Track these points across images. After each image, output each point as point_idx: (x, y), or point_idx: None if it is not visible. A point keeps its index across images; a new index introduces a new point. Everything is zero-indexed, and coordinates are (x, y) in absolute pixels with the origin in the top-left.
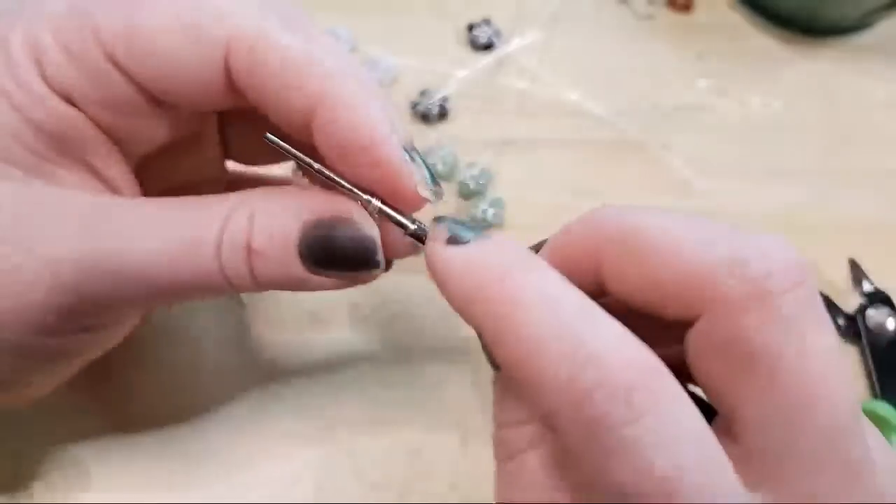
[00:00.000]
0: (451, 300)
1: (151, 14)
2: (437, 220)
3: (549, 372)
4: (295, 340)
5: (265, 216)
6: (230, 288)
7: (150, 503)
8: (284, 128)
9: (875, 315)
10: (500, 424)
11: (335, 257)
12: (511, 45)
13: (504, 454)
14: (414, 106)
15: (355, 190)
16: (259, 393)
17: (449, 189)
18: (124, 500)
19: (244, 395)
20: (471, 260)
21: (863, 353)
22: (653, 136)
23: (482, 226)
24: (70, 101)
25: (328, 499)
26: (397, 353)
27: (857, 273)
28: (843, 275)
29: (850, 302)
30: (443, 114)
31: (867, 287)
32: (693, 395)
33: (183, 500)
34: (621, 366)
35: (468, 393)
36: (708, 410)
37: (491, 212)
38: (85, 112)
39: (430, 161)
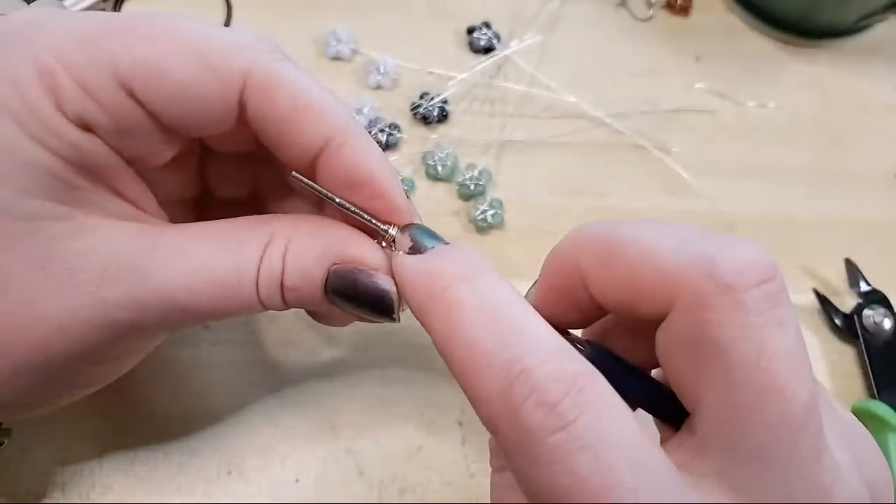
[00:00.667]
0: (409, 307)
1: (168, 46)
2: (404, 228)
3: (485, 386)
4: (295, 340)
5: (296, 256)
6: (263, 310)
7: (151, 503)
8: (287, 160)
9: (872, 315)
10: (491, 442)
11: (356, 300)
12: (510, 48)
13: (496, 466)
14: (414, 108)
15: (374, 221)
16: (259, 392)
17: (449, 190)
18: (125, 499)
19: (244, 395)
20: (423, 268)
21: (860, 352)
22: (651, 138)
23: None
24: (88, 129)
25: (328, 498)
26: (397, 352)
27: (854, 273)
28: (839, 275)
29: (847, 302)
30: (443, 116)
31: (864, 287)
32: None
33: (183, 500)
34: (550, 377)
35: None
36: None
37: (490, 213)
38: (103, 139)
39: (430, 162)
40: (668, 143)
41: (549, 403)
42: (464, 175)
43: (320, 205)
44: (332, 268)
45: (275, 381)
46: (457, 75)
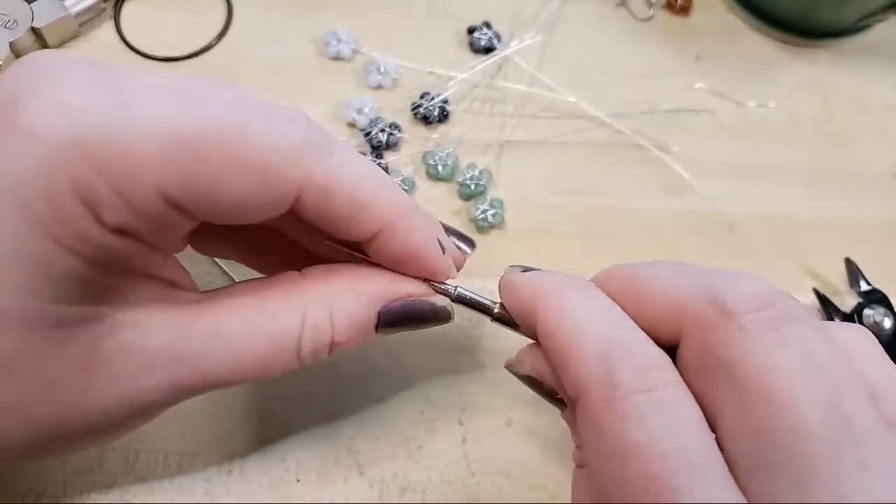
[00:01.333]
0: (519, 306)
1: (222, 163)
2: (513, 267)
3: (585, 354)
4: None
5: (344, 312)
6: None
7: (151, 503)
8: (335, 239)
9: (872, 314)
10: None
11: (409, 322)
12: (511, 48)
13: (578, 459)
14: (415, 108)
15: (433, 282)
16: (260, 391)
17: (449, 190)
18: (125, 499)
19: (245, 394)
20: (536, 277)
21: None
22: (651, 138)
23: None
24: (125, 234)
25: (329, 497)
26: (398, 351)
27: (854, 272)
28: (839, 275)
29: (847, 301)
30: (443, 116)
31: (864, 286)
32: None
33: (183, 500)
34: (646, 353)
35: (470, 390)
36: None
37: (491, 212)
38: (141, 242)
39: (430, 162)
40: (669, 142)
41: (641, 369)
42: (464, 175)
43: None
44: (382, 310)
45: (275, 380)
46: (457, 75)
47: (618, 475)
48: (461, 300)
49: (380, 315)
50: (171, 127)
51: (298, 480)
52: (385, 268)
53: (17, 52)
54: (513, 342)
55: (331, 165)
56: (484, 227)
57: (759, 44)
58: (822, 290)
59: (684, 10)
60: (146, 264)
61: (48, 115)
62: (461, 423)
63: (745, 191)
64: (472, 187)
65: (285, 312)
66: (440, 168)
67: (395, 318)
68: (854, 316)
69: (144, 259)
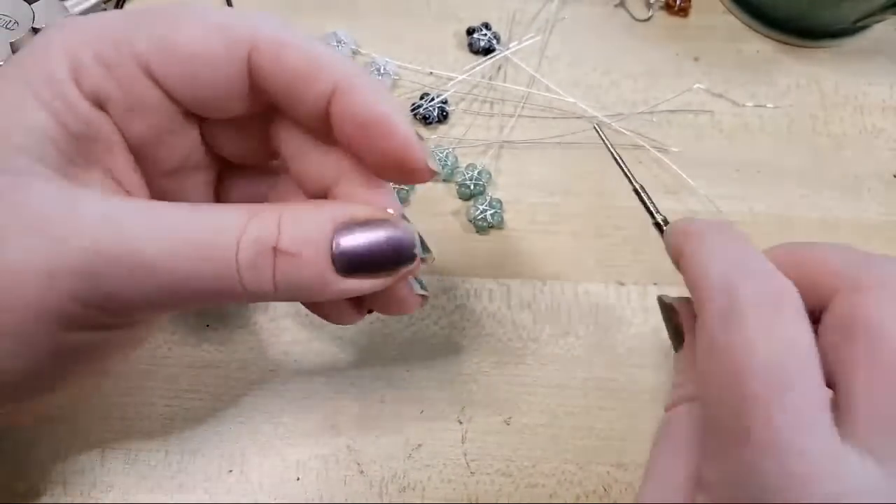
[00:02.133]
0: (671, 244)
1: (180, 21)
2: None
3: (711, 273)
4: (296, 338)
5: (294, 218)
6: (244, 294)
7: (151, 503)
8: (299, 117)
9: None
10: (672, 385)
11: (373, 259)
12: (510, 49)
13: (667, 406)
14: (414, 108)
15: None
16: (260, 391)
17: (448, 190)
18: (126, 498)
19: (245, 394)
20: (688, 222)
21: None
22: (650, 138)
23: None
24: (102, 108)
25: (329, 496)
26: (398, 350)
27: None
28: None
29: None
30: (443, 116)
31: None
32: None
33: (184, 499)
34: (765, 276)
35: (469, 389)
36: None
37: (490, 212)
38: (113, 119)
39: None
40: (667, 143)
41: (765, 291)
42: (463, 175)
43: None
44: (338, 229)
45: (275, 380)
46: (457, 76)
47: (723, 390)
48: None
49: (335, 241)
50: (144, 9)
51: (298, 479)
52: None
53: (17, 52)
54: (512, 342)
55: (279, 28)
56: (483, 227)
57: (757, 44)
58: None
59: (683, 11)
60: (111, 156)
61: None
62: (460, 422)
63: (744, 191)
64: (472, 187)
65: (233, 210)
66: (440, 168)
67: (354, 247)
68: None
69: (112, 149)
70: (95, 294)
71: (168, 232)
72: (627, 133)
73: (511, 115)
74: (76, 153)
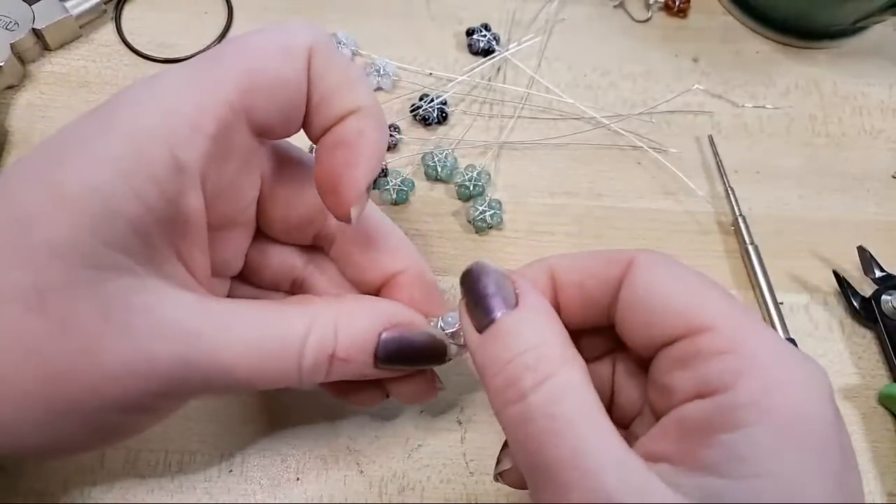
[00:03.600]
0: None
1: (262, 54)
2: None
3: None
4: None
5: (348, 323)
6: (298, 383)
7: (151, 503)
8: (319, 121)
9: (890, 300)
10: None
11: (408, 357)
12: (509, 50)
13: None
14: (414, 109)
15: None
16: (260, 391)
17: (448, 191)
18: (126, 498)
19: (245, 393)
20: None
21: (879, 337)
22: (648, 139)
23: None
24: (194, 180)
25: (329, 496)
26: None
27: (867, 260)
28: (836, 277)
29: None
30: (442, 117)
31: (878, 273)
32: None
33: (184, 499)
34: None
35: (468, 389)
36: None
37: (489, 213)
38: (205, 184)
39: (429, 163)
40: (666, 144)
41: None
42: (463, 176)
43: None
44: (383, 334)
45: None
46: (456, 77)
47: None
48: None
49: (379, 343)
50: (219, 55)
51: (298, 479)
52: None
53: (18, 53)
54: None
55: (330, 44)
56: (482, 227)
57: (756, 45)
58: (818, 292)
59: (682, 12)
60: (188, 242)
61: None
62: (460, 423)
63: (742, 191)
64: (471, 188)
65: (295, 316)
66: (439, 169)
67: (394, 347)
68: (872, 302)
69: (192, 232)
70: (170, 389)
71: (243, 343)
72: (626, 134)
73: (510, 116)
74: (157, 237)
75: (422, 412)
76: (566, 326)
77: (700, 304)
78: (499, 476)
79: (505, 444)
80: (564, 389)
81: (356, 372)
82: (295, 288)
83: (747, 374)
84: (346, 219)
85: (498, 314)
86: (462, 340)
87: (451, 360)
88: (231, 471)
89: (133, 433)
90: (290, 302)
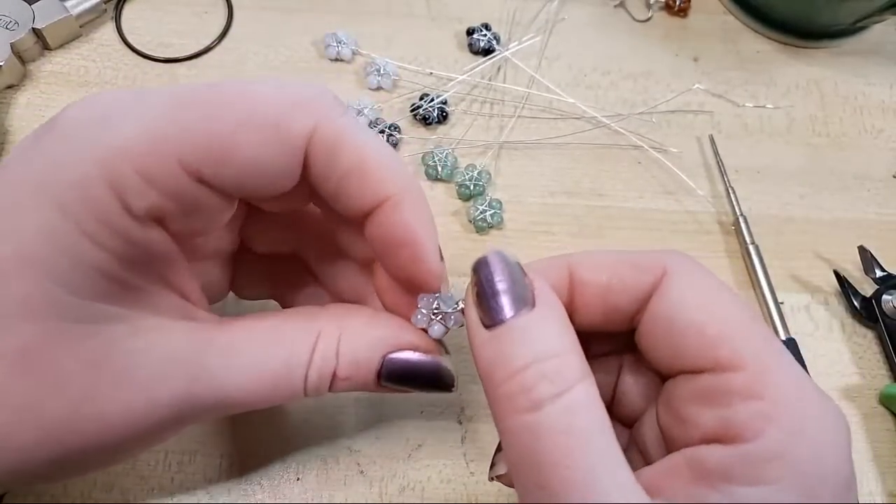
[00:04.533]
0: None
1: (235, 122)
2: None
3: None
4: None
5: (350, 343)
6: (301, 399)
7: (152, 502)
8: (340, 211)
9: (891, 299)
10: None
11: (412, 382)
12: (510, 49)
13: None
14: (414, 109)
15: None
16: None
17: (448, 190)
18: (126, 499)
19: None
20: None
21: (880, 337)
22: (649, 139)
23: None
24: (154, 221)
25: (329, 496)
26: None
27: (868, 259)
28: (837, 277)
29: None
30: (442, 117)
31: (878, 273)
32: None
33: (184, 499)
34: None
35: (469, 390)
36: None
37: (489, 213)
38: (167, 228)
39: (429, 163)
40: (667, 143)
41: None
42: (463, 175)
43: (366, 265)
44: (387, 356)
45: None
46: (456, 76)
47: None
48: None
49: (383, 363)
50: (186, 97)
51: (298, 479)
52: (398, 318)
53: (18, 52)
54: None
55: (340, 121)
56: (483, 227)
57: (756, 45)
58: (818, 292)
59: (682, 12)
60: (168, 269)
61: (83, 124)
62: (460, 423)
63: (743, 191)
64: (472, 188)
65: (300, 335)
66: (439, 169)
67: (398, 370)
68: (873, 301)
69: (168, 262)
70: (176, 427)
71: (247, 372)
72: (626, 133)
73: (511, 116)
74: (134, 277)
75: (422, 412)
76: (580, 329)
77: (732, 337)
78: (496, 478)
79: (499, 447)
80: (581, 405)
81: (359, 388)
82: (296, 253)
83: (774, 424)
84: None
85: (512, 313)
86: (453, 324)
87: (433, 335)
88: (231, 471)
89: (139, 454)
90: (293, 316)
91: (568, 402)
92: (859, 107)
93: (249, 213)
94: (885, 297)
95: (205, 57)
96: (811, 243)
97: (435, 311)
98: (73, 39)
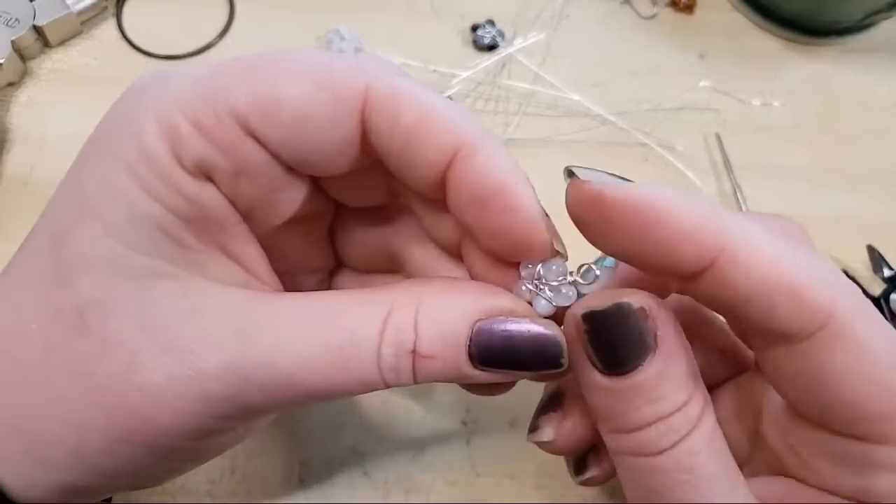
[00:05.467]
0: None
1: (282, 76)
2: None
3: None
4: None
5: (430, 317)
6: (385, 387)
7: (151, 503)
8: (413, 183)
9: None
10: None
11: (511, 357)
12: (514, 46)
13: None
14: None
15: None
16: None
17: None
18: (127, 499)
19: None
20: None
21: None
22: (655, 136)
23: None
24: (207, 178)
25: (333, 498)
26: None
27: (877, 259)
28: (848, 274)
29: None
30: None
31: (887, 272)
32: None
33: (186, 500)
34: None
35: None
36: None
37: None
38: (220, 188)
39: None
40: (673, 141)
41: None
42: None
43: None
44: (476, 325)
45: None
46: (461, 73)
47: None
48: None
49: (473, 336)
50: (239, 59)
51: (302, 481)
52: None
53: (18, 49)
54: None
55: (394, 79)
56: None
57: (763, 42)
58: None
59: (688, 8)
60: (227, 235)
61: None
62: (465, 424)
63: (749, 189)
64: None
65: (367, 306)
66: (565, 249)
67: (494, 342)
68: (881, 301)
69: (226, 227)
70: (229, 408)
71: (304, 342)
72: (632, 131)
73: (515, 113)
74: (190, 237)
75: (427, 414)
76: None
77: (886, 410)
78: (537, 444)
79: (544, 408)
80: (703, 444)
81: (452, 374)
82: (394, 263)
83: None
84: (553, 255)
85: (632, 366)
86: (563, 300)
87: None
88: (233, 472)
89: (214, 454)
90: (361, 290)
91: (689, 445)
92: (866, 104)
93: (339, 223)
94: (893, 296)
95: (206, 54)
96: (818, 242)
97: (540, 282)
98: (73, 36)
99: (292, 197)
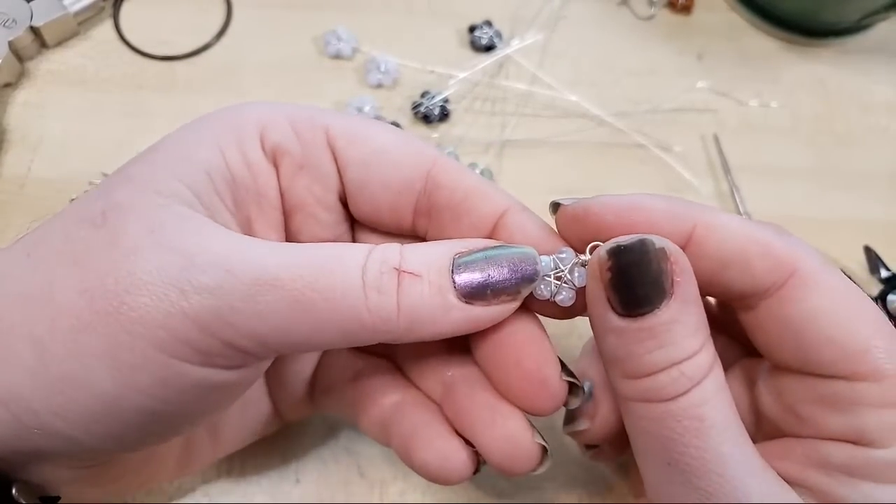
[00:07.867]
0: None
1: (377, 124)
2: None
3: None
4: None
5: (415, 247)
6: (369, 318)
7: (151, 503)
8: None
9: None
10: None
11: (491, 267)
12: (512, 47)
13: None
14: (415, 107)
15: None
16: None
17: None
18: (125, 500)
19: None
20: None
21: None
22: (652, 137)
23: None
24: (275, 163)
25: (329, 498)
26: None
27: (873, 260)
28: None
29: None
30: (444, 115)
31: (884, 273)
32: None
33: (183, 500)
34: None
35: None
36: None
37: None
38: (280, 177)
39: None
40: (670, 142)
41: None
42: None
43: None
44: (458, 254)
45: None
46: (458, 74)
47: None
48: None
49: (455, 258)
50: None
51: (298, 481)
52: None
53: (15, 50)
54: None
55: (465, 172)
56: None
57: (761, 42)
58: None
59: (686, 9)
60: (259, 210)
61: None
62: None
63: (747, 190)
64: None
65: (353, 246)
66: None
67: (475, 260)
68: (878, 302)
69: (264, 204)
70: (220, 322)
71: (293, 255)
72: (630, 132)
73: (513, 114)
74: (228, 196)
75: None
76: None
77: (867, 347)
78: (572, 434)
79: (576, 409)
80: (712, 393)
81: (437, 302)
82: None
83: None
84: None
85: (650, 307)
86: (578, 282)
87: (563, 303)
88: (230, 472)
89: (210, 408)
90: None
91: (700, 393)
92: (864, 105)
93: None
94: (890, 297)
95: (204, 54)
96: (816, 243)
97: (557, 274)
98: (71, 37)
99: (325, 220)
